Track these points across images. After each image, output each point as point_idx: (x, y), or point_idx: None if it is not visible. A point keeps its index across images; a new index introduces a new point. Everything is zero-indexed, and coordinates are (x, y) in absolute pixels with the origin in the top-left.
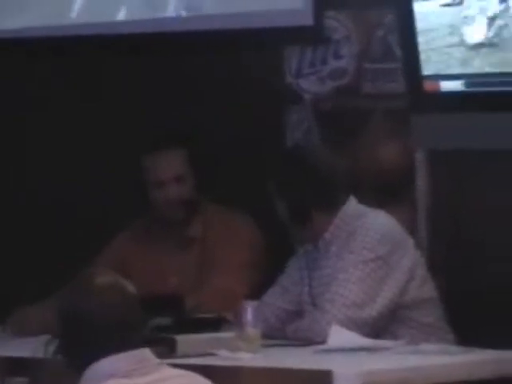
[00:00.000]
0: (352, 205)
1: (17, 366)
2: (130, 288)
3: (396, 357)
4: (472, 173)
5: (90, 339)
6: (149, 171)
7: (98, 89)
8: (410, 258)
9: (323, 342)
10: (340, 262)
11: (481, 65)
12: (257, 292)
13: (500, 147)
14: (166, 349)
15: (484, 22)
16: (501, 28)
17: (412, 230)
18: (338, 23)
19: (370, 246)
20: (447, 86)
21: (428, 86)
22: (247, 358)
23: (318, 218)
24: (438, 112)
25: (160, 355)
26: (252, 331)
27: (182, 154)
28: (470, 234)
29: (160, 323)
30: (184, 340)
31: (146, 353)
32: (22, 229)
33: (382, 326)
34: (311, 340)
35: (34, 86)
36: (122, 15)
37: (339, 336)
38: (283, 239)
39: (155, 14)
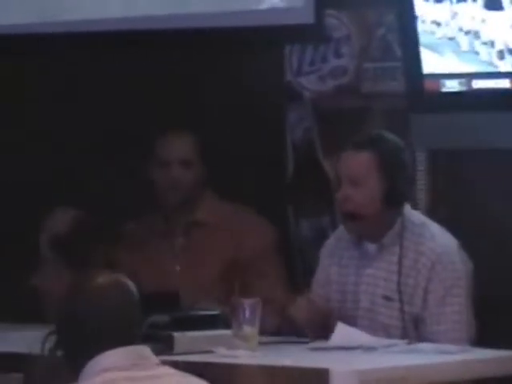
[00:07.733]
0: (410, 208)
1: (12, 361)
2: (131, 287)
3: (393, 355)
4: (472, 172)
5: (89, 338)
6: (157, 154)
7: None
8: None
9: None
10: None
11: None
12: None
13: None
14: (163, 346)
15: None
16: None
17: None
18: (338, 22)
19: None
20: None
21: (428, 85)
22: (244, 356)
23: (388, 213)
24: (438, 111)
25: (158, 352)
26: (249, 329)
27: (190, 139)
28: (471, 233)
29: (157, 320)
30: (181, 337)
31: (145, 350)
32: None
33: None
34: None
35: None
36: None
37: (342, 334)
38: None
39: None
